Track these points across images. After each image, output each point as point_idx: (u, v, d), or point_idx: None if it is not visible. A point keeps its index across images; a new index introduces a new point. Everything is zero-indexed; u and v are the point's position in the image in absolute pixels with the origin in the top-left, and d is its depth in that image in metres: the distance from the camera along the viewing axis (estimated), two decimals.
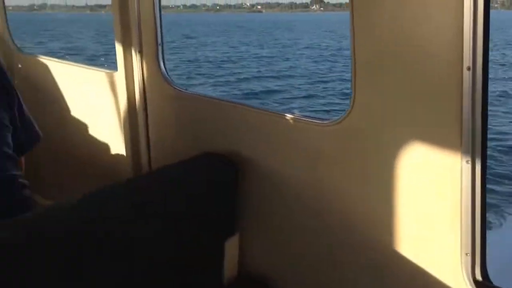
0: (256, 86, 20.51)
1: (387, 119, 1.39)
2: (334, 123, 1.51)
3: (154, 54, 1.94)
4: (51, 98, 2.47)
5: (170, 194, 1.61)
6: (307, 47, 35.05)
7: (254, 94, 19.00)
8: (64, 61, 2.49)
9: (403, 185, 1.39)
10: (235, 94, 18.97)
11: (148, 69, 1.99)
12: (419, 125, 1.34)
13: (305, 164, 1.64)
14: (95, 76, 2.30)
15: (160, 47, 1.93)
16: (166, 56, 1.91)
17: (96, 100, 2.32)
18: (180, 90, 1.95)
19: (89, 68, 2.38)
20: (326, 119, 1.56)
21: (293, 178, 1.69)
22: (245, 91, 19.57)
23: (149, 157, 2.14)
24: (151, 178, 1.69)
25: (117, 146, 2.28)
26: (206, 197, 1.72)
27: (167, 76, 1.97)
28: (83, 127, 2.42)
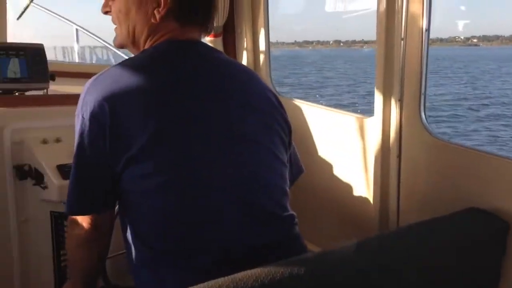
0: None
1: None
2: None
3: (415, 103, 1.93)
4: (301, 139, 2.63)
5: (430, 251, 1.55)
6: None
7: None
8: (315, 105, 2.65)
9: None
10: None
11: (407, 117, 1.98)
12: None
13: None
14: (345, 120, 2.38)
15: (423, 97, 1.91)
16: None
17: (344, 144, 2.40)
18: (441, 140, 1.90)
19: (339, 112, 2.49)
20: None
21: None
22: None
23: (398, 206, 2.11)
24: (410, 232, 1.65)
25: (363, 191, 2.30)
26: (469, 257, 1.62)
27: (427, 124, 1.94)
28: (329, 169, 2.51)
